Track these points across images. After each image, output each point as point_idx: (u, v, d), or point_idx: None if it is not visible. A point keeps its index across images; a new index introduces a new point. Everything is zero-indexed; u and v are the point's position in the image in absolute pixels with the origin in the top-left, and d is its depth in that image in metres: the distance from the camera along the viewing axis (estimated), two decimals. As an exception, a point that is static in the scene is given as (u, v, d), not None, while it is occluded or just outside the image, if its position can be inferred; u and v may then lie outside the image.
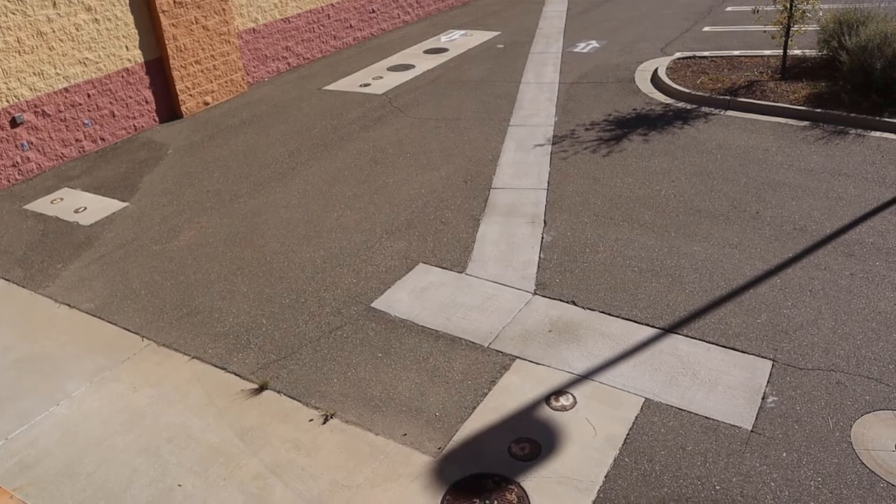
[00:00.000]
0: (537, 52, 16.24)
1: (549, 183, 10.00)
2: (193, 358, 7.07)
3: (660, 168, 10.19)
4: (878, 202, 8.91)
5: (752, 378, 6.26)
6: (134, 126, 13.01)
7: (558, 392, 6.27)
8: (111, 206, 10.33)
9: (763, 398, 6.04)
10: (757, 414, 5.89)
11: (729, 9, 18.73)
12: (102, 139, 12.50)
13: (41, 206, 10.50)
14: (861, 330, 6.76)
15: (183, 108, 13.61)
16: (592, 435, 5.80)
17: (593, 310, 7.30)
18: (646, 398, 6.12)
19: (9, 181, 11.23)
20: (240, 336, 7.36)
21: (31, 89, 11.27)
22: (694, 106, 12.38)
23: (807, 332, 6.78)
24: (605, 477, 5.43)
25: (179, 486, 5.61)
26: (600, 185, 9.82)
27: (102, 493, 5.60)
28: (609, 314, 7.22)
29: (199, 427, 6.17)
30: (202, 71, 13.86)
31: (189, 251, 9.01)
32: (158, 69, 13.20)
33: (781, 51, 13.11)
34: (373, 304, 7.67)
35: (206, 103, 14.10)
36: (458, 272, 8.11)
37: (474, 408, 6.15)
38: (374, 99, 13.91)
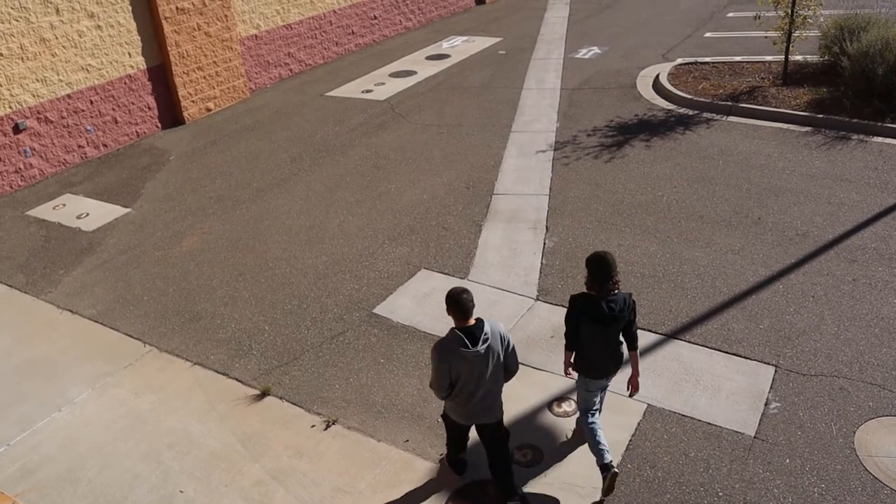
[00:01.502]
0: (539, 57, 16.27)
1: (550, 189, 10.00)
2: (195, 364, 7.07)
3: (662, 174, 10.19)
4: (881, 208, 8.91)
5: (755, 384, 6.24)
6: (136, 132, 13.04)
7: (560, 398, 6.26)
8: (113, 211, 10.35)
9: (766, 404, 6.03)
10: (760, 420, 5.88)
11: (730, 15, 18.76)
12: (105, 145, 12.53)
13: (43, 212, 10.52)
14: (864, 336, 6.74)
15: (185, 114, 13.64)
16: (595, 441, 5.77)
17: (595, 315, 7.28)
18: (648, 404, 6.11)
19: (11, 187, 11.25)
20: (242, 342, 7.36)
21: (33, 96, 11.31)
22: (696, 112, 12.38)
23: (809, 337, 6.77)
24: (608, 483, 5.42)
25: (181, 492, 5.61)
26: (602, 191, 9.82)
27: (104, 499, 5.59)
28: (611, 320, 7.20)
29: (200, 433, 6.17)
30: (204, 77, 13.90)
31: (191, 257, 9.02)
32: (161, 75, 13.24)
33: (783, 56, 13.11)
34: (375, 310, 7.66)
35: (209, 109, 14.13)
36: (461, 278, 8.10)
37: (476, 414, 6.14)
38: (376, 105, 13.94)
